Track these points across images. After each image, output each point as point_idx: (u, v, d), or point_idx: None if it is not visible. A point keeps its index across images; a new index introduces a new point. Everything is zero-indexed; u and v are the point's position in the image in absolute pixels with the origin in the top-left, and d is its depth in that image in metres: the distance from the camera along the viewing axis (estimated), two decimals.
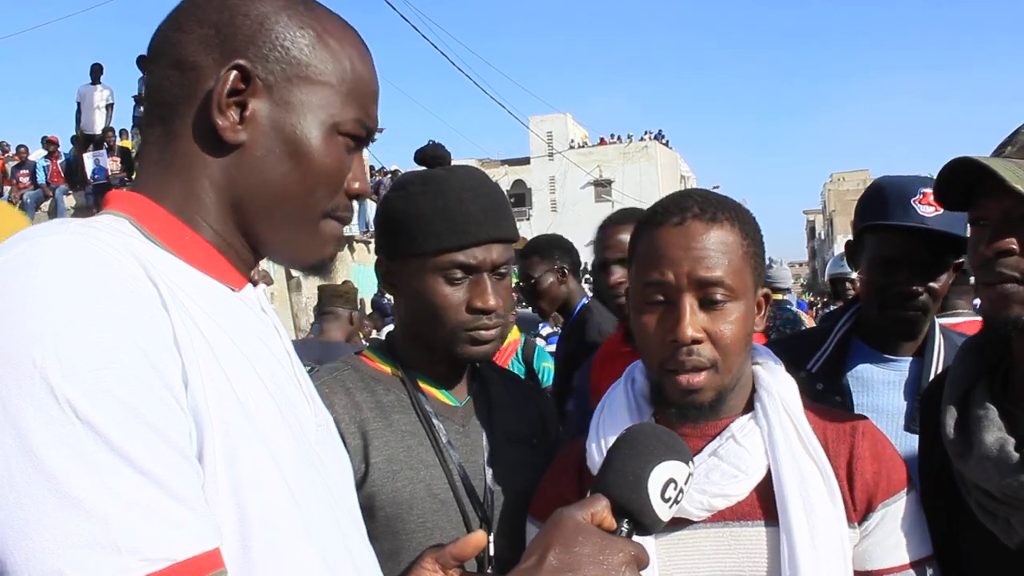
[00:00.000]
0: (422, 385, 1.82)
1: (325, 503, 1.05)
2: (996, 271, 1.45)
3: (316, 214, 1.12)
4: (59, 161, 16.62)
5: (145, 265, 0.91)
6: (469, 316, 1.73)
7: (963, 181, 1.49)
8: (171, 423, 0.84)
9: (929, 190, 2.09)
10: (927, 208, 2.08)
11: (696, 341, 1.46)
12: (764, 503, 1.50)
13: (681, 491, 1.14)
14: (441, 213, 1.74)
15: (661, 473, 1.12)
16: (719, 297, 1.47)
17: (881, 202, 2.16)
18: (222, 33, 1.05)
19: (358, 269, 19.33)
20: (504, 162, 66.98)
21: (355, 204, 1.19)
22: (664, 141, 69.02)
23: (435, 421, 1.77)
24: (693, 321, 1.46)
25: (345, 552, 1.06)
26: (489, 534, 1.72)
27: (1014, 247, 1.43)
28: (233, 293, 1.09)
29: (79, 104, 16.49)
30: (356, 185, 1.16)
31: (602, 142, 68.55)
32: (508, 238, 1.79)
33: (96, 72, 16.24)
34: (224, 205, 1.08)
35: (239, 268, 1.11)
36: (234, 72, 1.04)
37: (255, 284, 1.15)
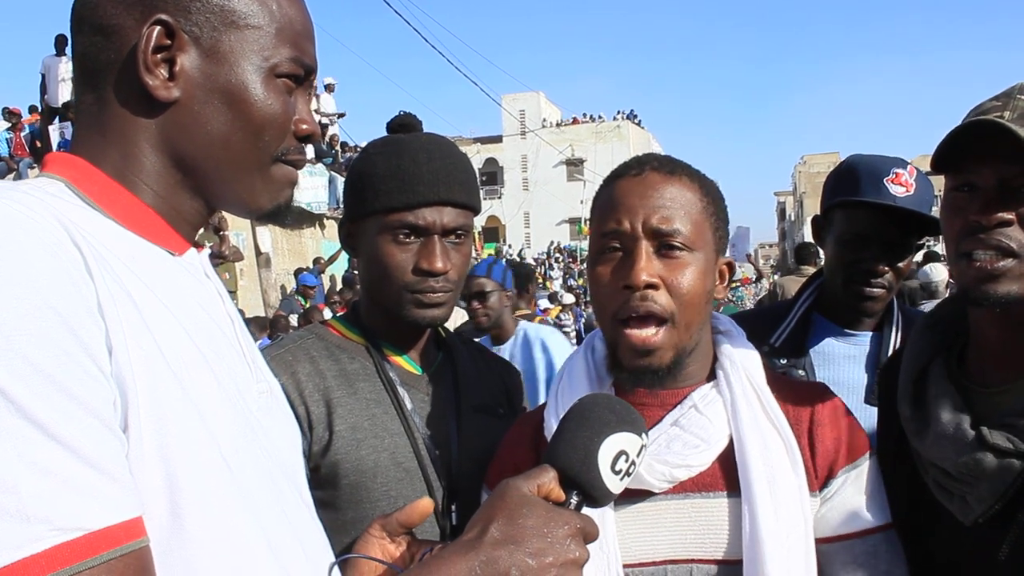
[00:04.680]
0: (387, 353, 1.82)
1: (263, 470, 1.03)
2: (992, 241, 1.40)
3: (266, 159, 1.11)
4: (23, 134, 16.30)
5: (70, 230, 0.89)
6: (415, 278, 1.73)
7: (955, 144, 1.44)
8: (90, 390, 0.81)
9: (901, 170, 2.14)
10: (898, 188, 2.12)
11: (650, 286, 1.44)
12: (726, 473, 1.49)
13: (633, 463, 1.13)
14: (394, 172, 1.74)
15: (612, 445, 1.10)
16: (676, 245, 1.46)
17: (853, 179, 2.19)
18: None
19: (328, 245, 19.21)
20: (476, 140, 66.55)
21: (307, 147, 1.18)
22: (637, 121, 68.96)
23: (400, 389, 1.77)
24: (648, 266, 1.45)
25: (284, 519, 1.04)
26: (452, 503, 1.73)
27: (1012, 218, 1.39)
28: (173, 258, 1.07)
29: (43, 76, 16.17)
30: (304, 126, 1.14)
31: (575, 121, 68.33)
32: (463, 203, 1.78)
33: (61, 43, 15.88)
34: (166, 165, 1.07)
35: (182, 232, 1.10)
36: (156, 28, 1.02)
37: (199, 248, 1.13)
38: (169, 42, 1.03)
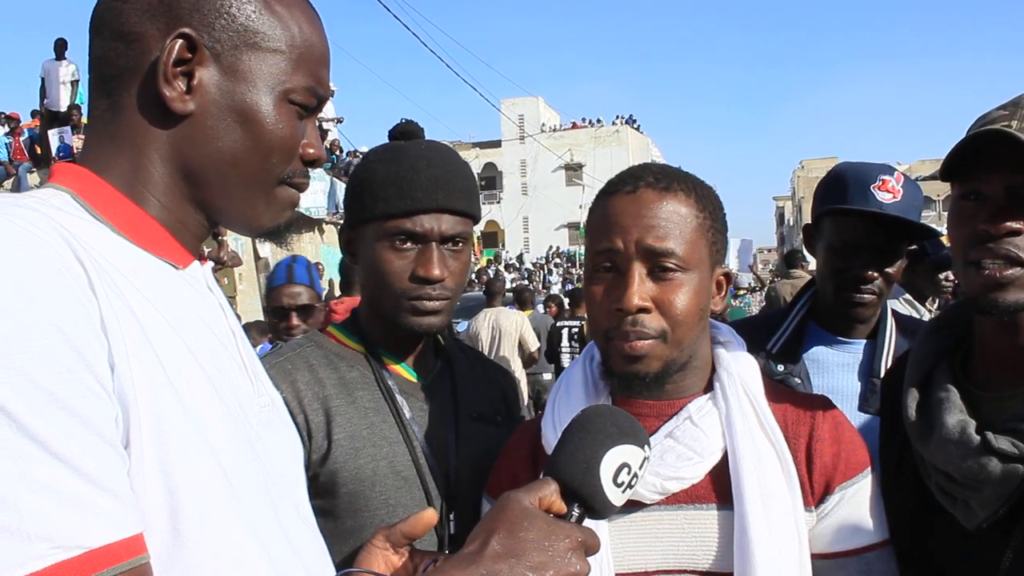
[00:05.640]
0: (386, 361, 1.81)
1: (263, 485, 1.03)
2: (1001, 251, 1.41)
3: (271, 181, 1.12)
4: (22, 138, 16.32)
5: (73, 245, 0.89)
6: (411, 284, 1.72)
7: (963, 153, 1.44)
8: (92, 407, 0.81)
9: (888, 177, 2.16)
10: (885, 194, 2.14)
11: (642, 310, 1.43)
12: (719, 486, 1.48)
13: (636, 476, 1.12)
14: (392, 179, 1.73)
15: (614, 457, 1.09)
16: (669, 266, 1.44)
17: (841, 187, 2.21)
18: (165, 2, 1.04)
19: (327, 251, 19.23)
20: (475, 145, 66.76)
21: (311, 170, 1.18)
22: (635, 126, 69.20)
23: (398, 397, 1.76)
24: (640, 290, 1.43)
25: (283, 534, 1.04)
26: (450, 512, 1.72)
27: (1021, 227, 1.40)
28: (176, 271, 1.07)
29: (43, 80, 16.19)
30: (311, 151, 1.15)
31: (574, 126, 68.61)
32: (461, 210, 1.77)
33: (60, 47, 15.93)
34: (174, 177, 1.07)
35: (186, 244, 1.10)
36: (180, 41, 1.02)
37: (203, 261, 1.14)
38: (190, 56, 1.03)
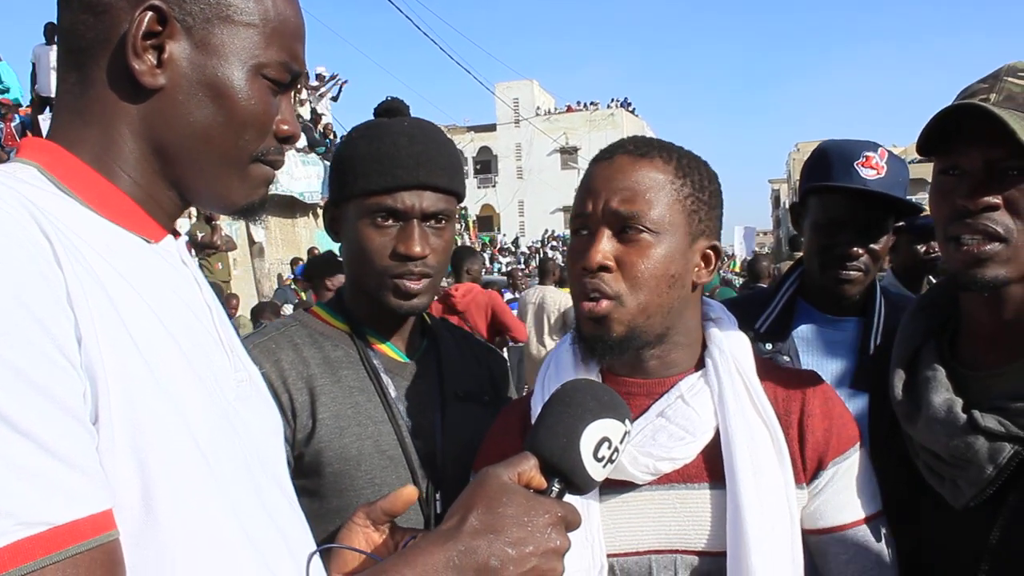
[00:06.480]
0: (371, 341, 1.81)
1: (241, 461, 1.01)
2: (979, 226, 1.40)
3: (244, 158, 1.10)
4: (13, 124, 16.23)
5: (38, 218, 0.87)
6: (392, 262, 1.71)
7: (944, 127, 1.44)
8: (58, 382, 0.80)
9: (871, 153, 2.16)
10: (869, 171, 2.13)
11: (603, 268, 1.45)
12: (710, 465, 1.48)
13: (616, 450, 1.11)
14: (374, 156, 1.72)
15: (595, 431, 1.08)
16: (636, 227, 1.45)
17: (825, 165, 2.21)
18: None
19: (322, 236, 19.18)
20: (470, 129, 66.63)
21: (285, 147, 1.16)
22: (631, 109, 69.13)
23: (384, 377, 1.76)
24: (602, 248, 1.45)
25: (263, 509, 1.03)
26: (437, 491, 1.72)
27: (999, 202, 1.40)
28: (149, 245, 1.05)
29: (34, 65, 16.09)
30: (285, 127, 1.13)
31: (569, 109, 68.50)
32: (444, 187, 1.76)
33: (51, 32, 15.80)
34: (145, 152, 1.05)
35: (159, 219, 1.08)
36: (149, 13, 1.00)
37: (176, 235, 1.12)
38: (160, 28, 1.01)
